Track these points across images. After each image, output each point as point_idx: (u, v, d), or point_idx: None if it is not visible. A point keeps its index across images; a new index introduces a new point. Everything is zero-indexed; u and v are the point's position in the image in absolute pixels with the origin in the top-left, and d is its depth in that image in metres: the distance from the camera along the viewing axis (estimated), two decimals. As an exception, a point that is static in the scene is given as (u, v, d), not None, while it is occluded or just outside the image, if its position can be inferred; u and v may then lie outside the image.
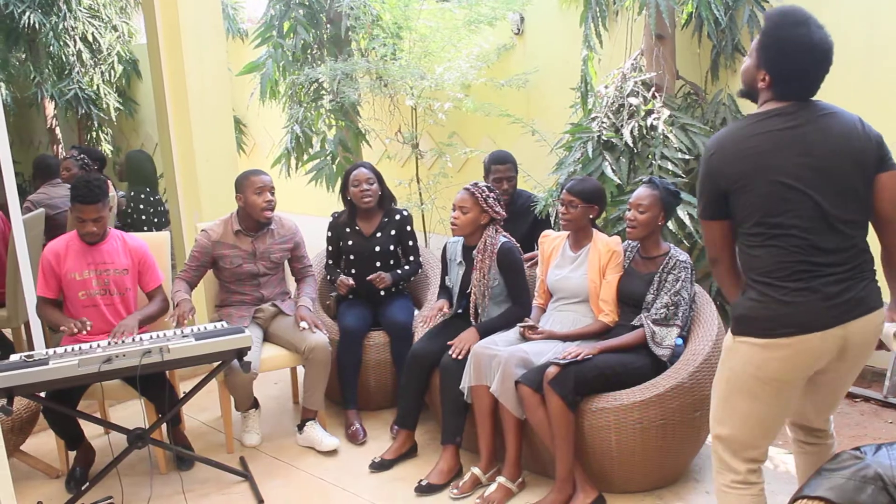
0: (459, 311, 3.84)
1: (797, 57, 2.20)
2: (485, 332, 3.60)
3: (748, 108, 4.38)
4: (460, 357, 3.52)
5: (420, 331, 3.94)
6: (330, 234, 4.35)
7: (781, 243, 2.21)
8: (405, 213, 4.33)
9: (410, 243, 4.32)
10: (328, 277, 4.40)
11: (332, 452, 3.84)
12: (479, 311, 3.72)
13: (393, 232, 4.26)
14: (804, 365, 2.26)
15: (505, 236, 3.73)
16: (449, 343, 3.61)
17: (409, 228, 4.32)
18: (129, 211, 5.75)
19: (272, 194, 3.93)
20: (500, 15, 5.38)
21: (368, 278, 4.11)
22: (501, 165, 4.35)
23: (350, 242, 4.24)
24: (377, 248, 4.20)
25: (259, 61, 5.88)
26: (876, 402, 4.12)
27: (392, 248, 4.25)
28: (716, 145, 2.30)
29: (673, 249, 3.42)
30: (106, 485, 3.46)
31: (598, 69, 4.52)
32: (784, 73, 2.23)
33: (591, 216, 3.58)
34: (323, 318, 4.18)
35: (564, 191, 3.58)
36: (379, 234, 4.24)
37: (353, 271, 4.22)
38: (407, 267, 4.30)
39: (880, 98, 4.00)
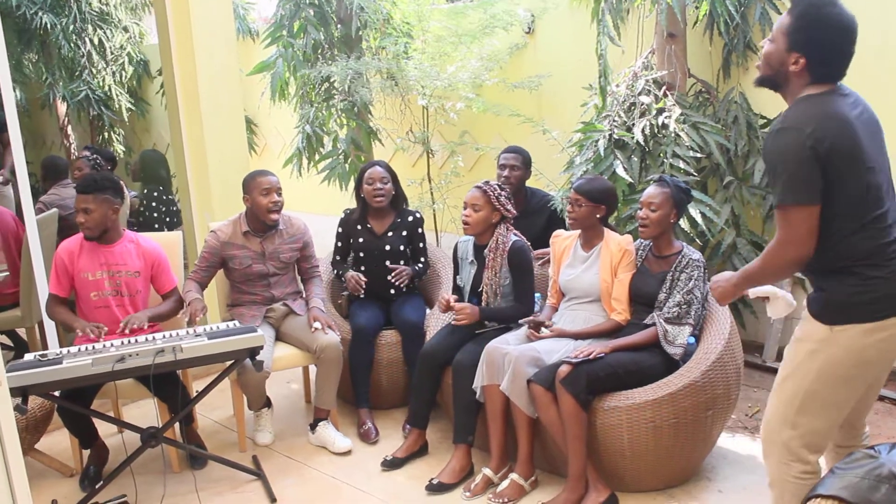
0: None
1: (836, 37, 2.18)
2: (486, 316, 3.66)
3: (760, 105, 4.40)
4: (461, 321, 3.62)
5: (433, 327, 3.94)
6: (340, 230, 4.36)
7: (879, 225, 2.22)
8: (418, 214, 4.34)
9: (421, 245, 4.33)
10: (336, 272, 4.39)
11: (345, 452, 3.85)
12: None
13: (404, 233, 4.26)
14: None
15: (516, 234, 3.73)
16: (454, 306, 3.67)
17: (420, 230, 4.32)
18: (143, 210, 5.78)
19: (279, 195, 3.94)
20: (514, 20, 5.38)
21: (394, 274, 4.13)
22: (510, 154, 4.42)
23: (360, 240, 4.24)
24: (387, 247, 4.20)
25: (269, 60, 5.89)
26: (890, 401, 4.09)
27: (402, 248, 4.25)
28: (806, 122, 2.15)
29: (686, 248, 3.41)
30: (120, 483, 3.47)
31: (610, 67, 4.51)
32: (823, 54, 2.20)
33: (598, 216, 3.57)
34: (335, 318, 4.19)
35: (572, 190, 3.58)
36: (390, 234, 4.25)
37: (363, 268, 4.22)
38: (418, 268, 4.30)
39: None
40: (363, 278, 4.15)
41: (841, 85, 2.26)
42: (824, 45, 2.19)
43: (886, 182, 2.27)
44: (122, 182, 4.11)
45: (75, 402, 3.43)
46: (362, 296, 4.26)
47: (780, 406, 2.40)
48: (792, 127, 2.17)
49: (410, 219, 4.30)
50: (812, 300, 2.34)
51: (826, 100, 2.21)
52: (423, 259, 4.34)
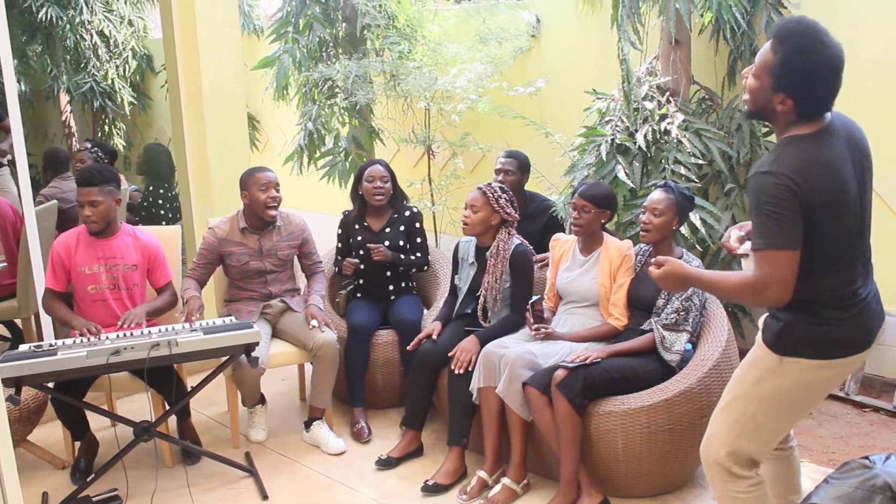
0: (468, 310, 3.83)
1: (823, 80, 2.11)
2: (485, 339, 3.58)
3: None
4: (461, 372, 3.51)
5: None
6: (340, 231, 4.36)
7: (849, 269, 2.22)
8: (415, 209, 4.33)
9: (419, 240, 4.32)
10: (337, 270, 4.39)
11: (338, 453, 3.83)
12: (489, 313, 3.72)
13: (402, 228, 4.26)
14: (846, 375, 2.34)
15: (518, 239, 3.72)
16: (450, 355, 3.60)
17: (418, 225, 4.32)
18: (148, 205, 5.77)
19: (277, 191, 3.93)
20: (519, 31, 5.39)
21: (368, 245, 4.11)
22: (506, 158, 4.44)
23: (359, 238, 4.23)
24: (386, 243, 4.19)
25: (274, 56, 5.89)
26: (885, 413, 4.08)
27: (401, 243, 4.24)
28: (793, 168, 2.10)
29: (686, 254, 3.41)
30: (111, 477, 3.46)
31: (612, 72, 4.50)
32: (812, 97, 2.14)
33: (602, 221, 3.56)
34: (332, 316, 4.18)
35: (576, 195, 3.56)
36: (388, 230, 4.24)
37: (362, 267, 4.21)
38: (413, 258, 4.29)
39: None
40: (355, 260, 4.14)
41: (829, 116, 2.20)
42: (812, 89, 2.13)
43: (865, 223, 2.26)
44: (121, 175, 4.10)
45: (69, 394, 3.42)
46: (359, 295, 4.25)
47: (721, 427, 2.39)
48: (779, 172, 2.11)
49: (408, 213, 4.30)
50: (767, 327, 2.32)
51: (814, 144, 2.15)
52: (420, 254, 4.33)
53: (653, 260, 2.43)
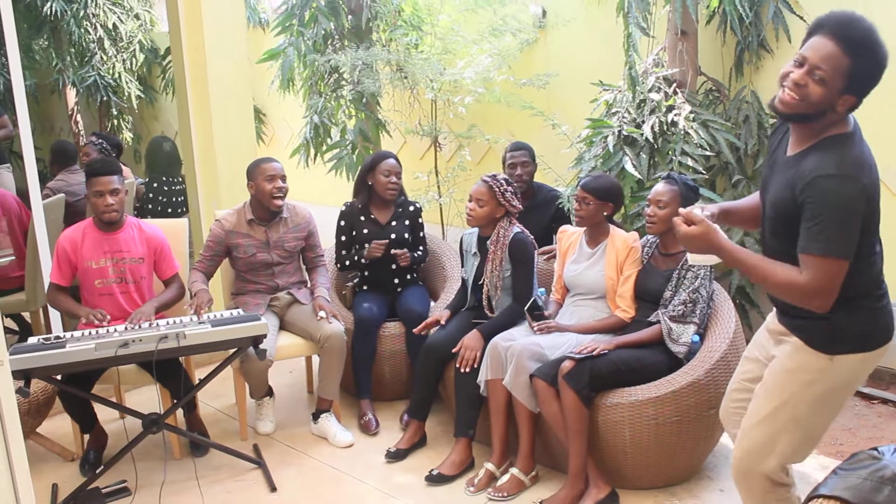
0: (475, 303, 3.83)
1: (882, 77, 2.09)
2: (489, 333, 3.57)
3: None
4: (468, 370, 3.51)
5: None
6: (343, 223, 4.34)
7: (878, 258, 2.23)
8: (417, 205, 4.37)
9: (421, 234, 4.37)
10: (338, 265, 4.38)
11: (346, 446, 3.84)
12: (493, 302, 3.71)
13: (407, 222, 4.29)
14: (875, 367, 2.32)
15: (518, 227, 3.72)
16: (454, 351, 3.60)
17: (420, 220, 4.36)
18: (160, 198, 5.78)
19: (283, 182, 3.94)
20: (525, 25, 5.37)
21: (394, 252, 4.12)
22: (516, 152, 4.44)
23: (365, 231, 4.24)
24: (393, 236, 4.20)
25: (279, 49, 5.88)
26: (894, 405, 4.07)
27: (406, 236, 4.26)
28: (861, 172, 2.07)
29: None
30: (120, 469, 3.48)
31: (618, 64, 4.48)
32: (866, 95, 2.10)
33: (605, 213, 3.56)
34: (339, 308, 4.18)
35: (579, 187, 3.56)
36: (394, 223, 4.25)
37: (367, 260, 4.21)
38: (417, 255, 4.32)
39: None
40: (383, 241, 4.13)
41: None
42: (872, 87, 2.09)
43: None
44: (127, 168, 4.11)
45: (77, 386, 3.44)
46: (366, 287, 4.27)
47: (765, 439, 2.34)
48: (853, 176, 2.06)
49: (412, 208, 4.33)
50: (809, 329, 2.26)
51: (861, 143, 2.12)
52: (422, 247, 4.37)
53: (682, 211, 2.26)
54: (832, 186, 2.06)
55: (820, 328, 2.24)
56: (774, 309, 2.44)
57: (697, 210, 2.28)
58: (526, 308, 3.57)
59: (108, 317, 3.51)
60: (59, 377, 3.32)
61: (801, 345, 2.28)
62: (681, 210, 2.27)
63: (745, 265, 2.23)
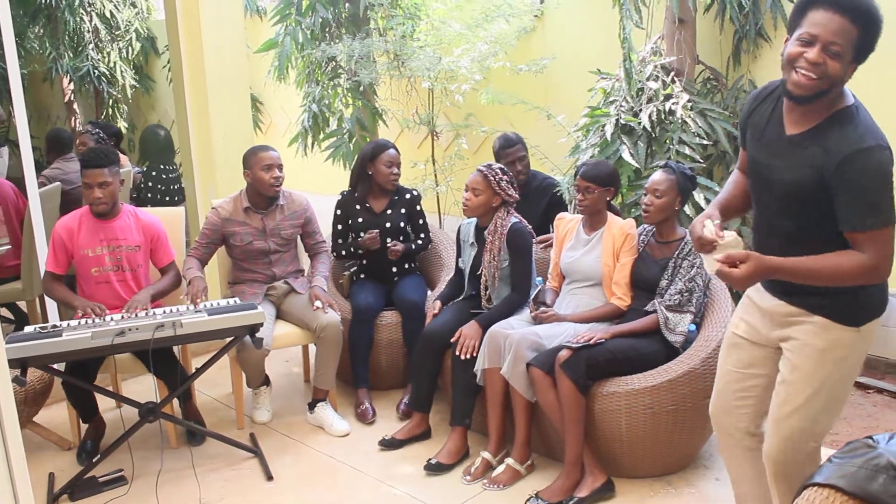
0: (473, 292, 3.83)
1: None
2: (487, 324, 3.56)
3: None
4: (467, 357, 3.51)
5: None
6: (339, 212, 4.32)
7: None
8: (415, 192, 4.34)
9: (421, 222, 4.34)
10: (334, 254, 4.36)
11: (342, 435, 3.85)
12: (491, 292, 3.71)
13: (403, 210, 4.27)
14: None
15: (516, 217, 3.71)
16: (453, 341, 3.60)
17: (419, 208, 4.33)
18: (149, 185, 5.77)
19: (280, 170, 3.92)
20: (518, 11, 5.34)
21: (387, 247, 4.11)
22: (511, 149, 4.35)
23: (360, 220, 4.23)
24: (388, 225, 4.20)
25: (277, 38, 5.86)
26: (889, 394, 4.08)
27: (402, 224, 4.25)
28: (884, 138, 2.09)
29: (688, 234, 3.39)
30: (117, 458, 3.48)
31: (616, 52, 4.47)
32: (864, 62, 2.11)
33: (608, 198, 3.56)
34: (336, 297, 4.18)
35: (579, 177, 3.55)
36: (389, 212, 4.24)
37: (363, 250, 4.20)
38: (419, 242, 4.31)
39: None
40: (375, 232, 4.11)
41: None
42: (872, 51, 2.09)
43: None
44: (124, 155, 4.09)
45: (78, 376, 3.44)
46: (363, 276, 4.26)
47: (805, 422, 2.31)
48: (883, 145, 2.08)
49: (408, 196, 4.30)
50: (834, 305, 2.24)
51: (867, 112, 2.14)
52: (423, 235, 4.35)
53: (717, 257, 2.16)
54: (870, 158, 2.07)
55: (845, 301, 2.23)
56: (762, 289, 2.41)
57: (710, 226, 2.22)
58: (532, 298, 3.58)
59: (107, 311, 3.50)
60: (62, 368, 3.32)
61: (828, 322, 2.26)
62: (714, 257, 2.18)
63: (803, 275, 2.18)
